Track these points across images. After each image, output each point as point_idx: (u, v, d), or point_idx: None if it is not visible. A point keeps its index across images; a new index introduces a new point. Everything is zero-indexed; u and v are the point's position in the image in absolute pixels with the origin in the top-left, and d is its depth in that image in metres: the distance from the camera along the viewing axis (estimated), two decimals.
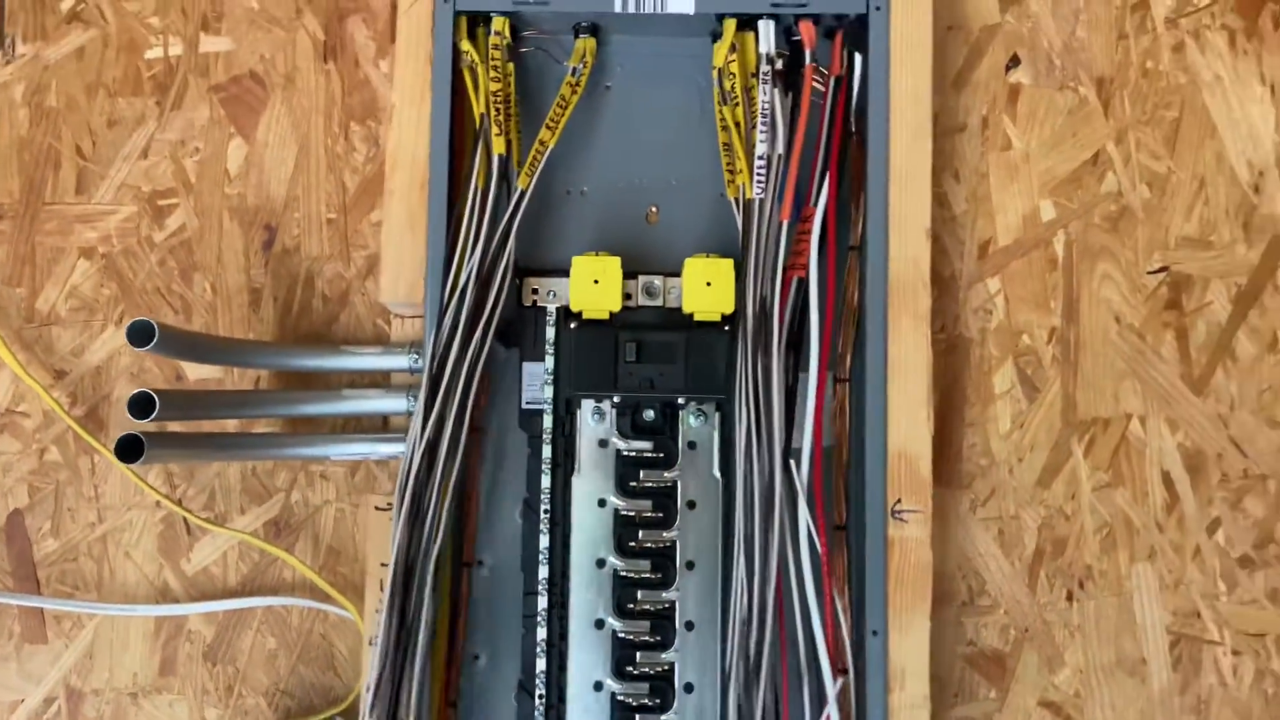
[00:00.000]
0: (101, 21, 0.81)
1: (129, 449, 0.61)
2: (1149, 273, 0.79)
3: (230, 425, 0.77)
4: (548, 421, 0.71)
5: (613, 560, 0.71)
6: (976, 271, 0.79)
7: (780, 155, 0.71)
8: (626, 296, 0.72)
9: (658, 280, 0.73)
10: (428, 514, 0.67)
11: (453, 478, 0.67)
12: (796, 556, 0.66)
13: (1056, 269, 0.79)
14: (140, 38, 0.80)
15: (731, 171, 0.72)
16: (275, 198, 0.79)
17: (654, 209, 0.76)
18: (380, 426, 0.76)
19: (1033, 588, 0.77)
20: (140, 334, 0.61)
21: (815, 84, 0.73)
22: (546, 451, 0.71)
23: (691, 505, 0.72)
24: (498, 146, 0.70)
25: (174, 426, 0.75)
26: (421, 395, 0.67)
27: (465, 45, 0.72)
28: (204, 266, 0.79)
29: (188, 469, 0.77)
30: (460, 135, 0.73)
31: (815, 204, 0.71)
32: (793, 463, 0.68)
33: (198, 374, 0.78)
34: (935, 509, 0.72)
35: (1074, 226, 0.79)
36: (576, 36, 0.75)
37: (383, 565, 0.69)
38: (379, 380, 0.76)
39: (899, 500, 0.69)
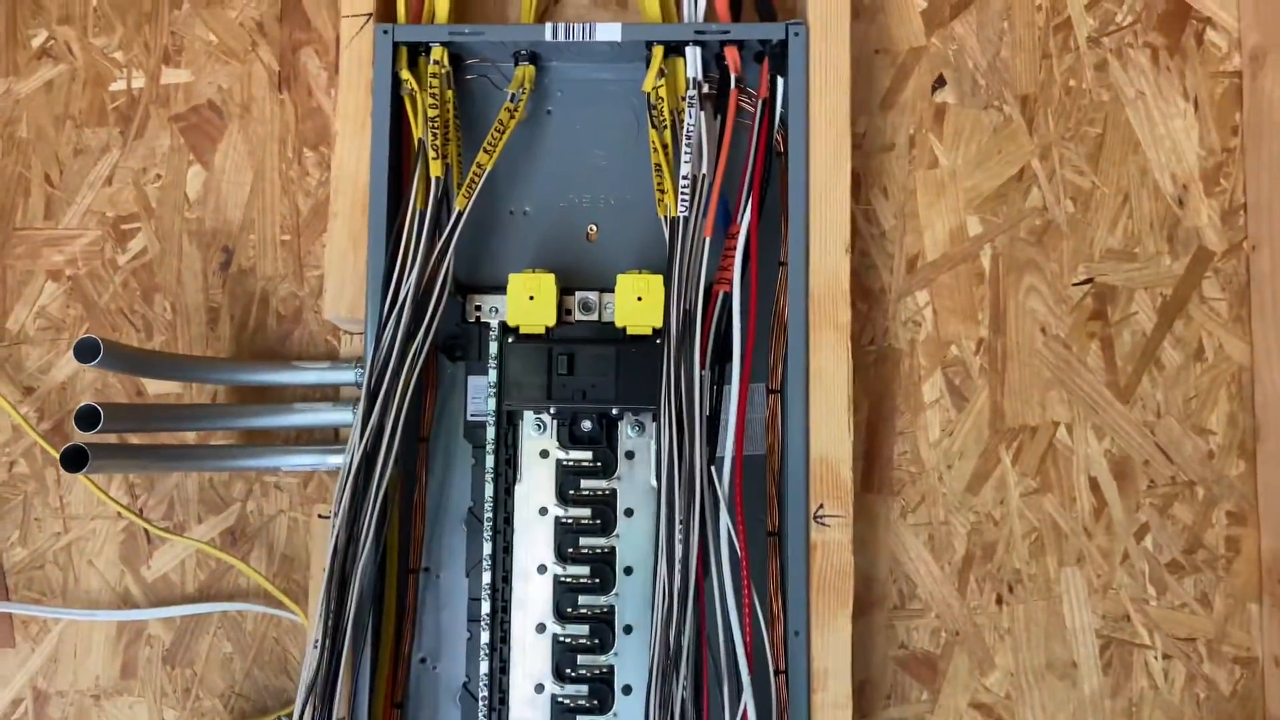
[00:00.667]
0: (69, 56, 0.84)
1: (74, 459, 0.64)
2: (1074, 284, 0.80)
3: (191, 438, 0.79)
4: (491, 433, 0.73)
5: (554, 566, 0.72)
6: (906, 285, 0.80)
7: (705, 175, 0.73)
8: (566, 312, 0.74)
9: (593, 296, 0.75)
10: (364, 520, 0.68)
11: (385, 485, 0.69)
12: (718, 560, 0.68)
13: (984, 282, 0.80)
14: (105, 71, 0.83)
15: (661, 191, 0.74)
16: (232, 221, 0.82)
17: (593, 228, 0.78)
18: (331, 438, 0.78)
19: (963, 592, 0.78)
20: (86, 351, 0.64)
21: (744, 105, 0.76)
22: (490, 461, 0.72)
23: (629, 513, 0.74)
24: (435, 169, 0.72)
25: (135, 439, 0.77)
26: (360, 407, 0.69)
27: (405, 74, 0.75)
28: (164, 287, 0.81)
29: (149, 480, 0.79)
30: (405, 161, 0.75)
31: (740, 221, 0.73)
32: (714, 471, 0.69)
33: (159, 389, 0.80)
34: (867, 515, 0.74)
35: (1000, 240, 0.81)
36: (516, 64, 0.77)
37: (323, 571, 0.71)
38: (329, 394, 0.77)
39: (821, 505, 0.71)
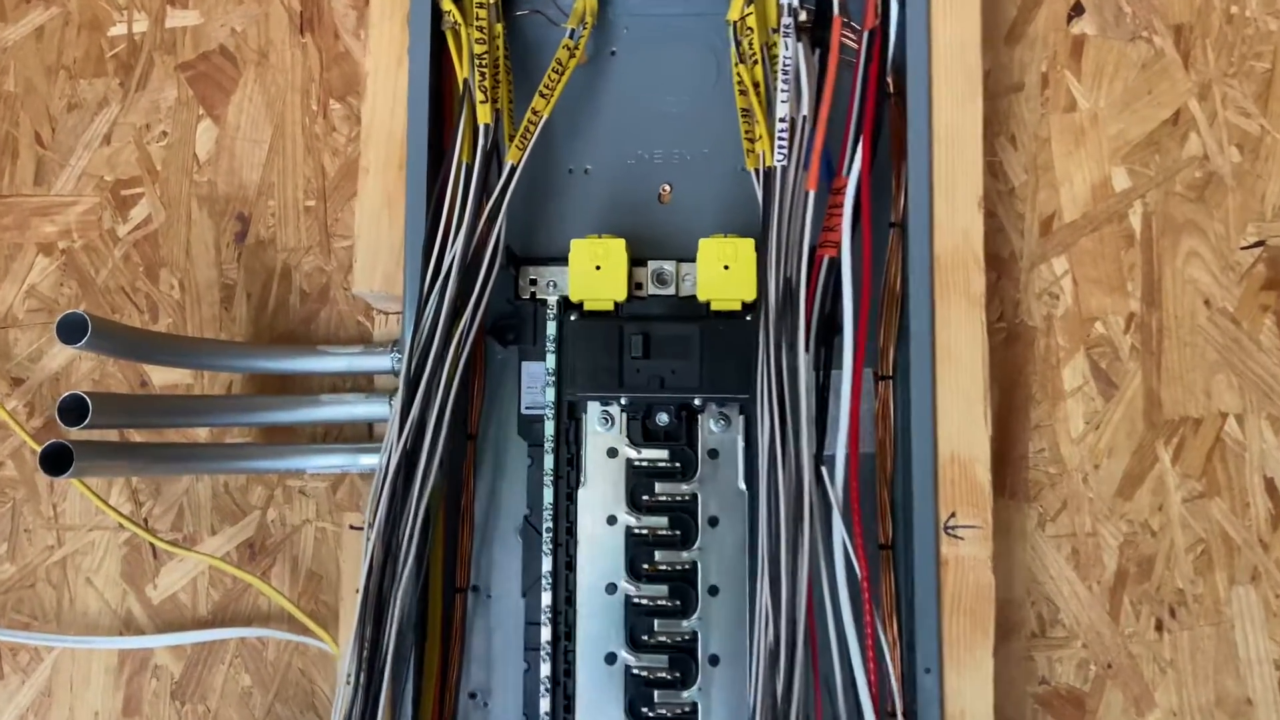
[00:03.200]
0: None
1: (55, 460, 0.55)
2: (1243, 248, 0.70)
3: (200, 435, 0.72)
4: (550, 428, 0.66)
5: (625, 585, 0.65)
6: (1040, 250, 0.71)
7: (805, 117, 0.64)
8: (636, 285, 0.67)
9: (669, 266, 0.67)
10: (405, 531, 0.61)
11: (429, 490, 0.61)
12: (831, 580, 0.58)
13: (1133, 246, 0.71)
14: (103, 14, 0.78)
15: (750, 139, 0.65)
16: (248, 185, 0.75)
17: (666, 188, 0.71)
18: (364, 435, 0.72)
19: (1115, 616, 0.68)
20: (71, 329, 0.56)
21: (846, 40, 0.65)
22: (549, 462, 0.66)
23: (714, 522, 0.65)
24: (483, 115, 0.64)
25: (138, 436, 0.71)
26: (398, 397, 0.62)
27: (447, 4, 0.66)
28: (171, 262, 0.75)
29: (154, 486, 0.73)
30: (446, 107, 0.68)
31: (847, 174, 0.63)
32: (825, 471, 0.60)
33: (166, 378, 0.74)
34: (997, 524, 0.65)
35: (1152, 197, 0.71)
36: None
37: (357, 591, 0.63)
38: (362, 384, 0.72)
39: (953, 514, 0.62)
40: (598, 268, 0.65)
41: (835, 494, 0.59)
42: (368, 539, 0.60)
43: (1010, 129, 0.71)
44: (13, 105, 0.76)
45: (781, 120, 0.62)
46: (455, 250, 0.62)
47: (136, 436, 0.71)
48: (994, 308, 0.70)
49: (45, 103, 0.76)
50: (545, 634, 0.64)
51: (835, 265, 0.62)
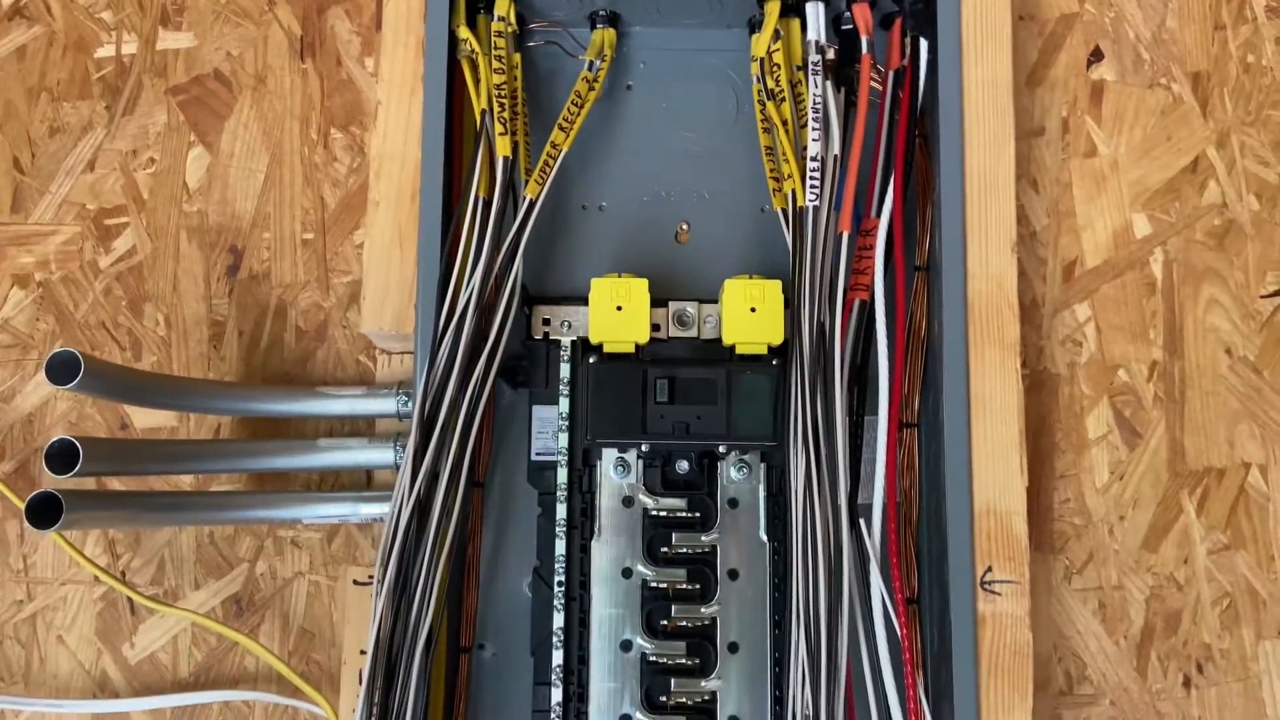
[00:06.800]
0: (47, 17, 0.75)
1: (43, 511, 0.50)
2: (1263, 296, 0.70)
3: (184, 482, 0.69)
4: (562, 475, 0.64)
5: (641, 642, 0.62)
6: (1062, 296, 0.70)
7: (836, 156, 0.62)
8: (654, 327, 0.64)
9: (690, 307, 0.65)
10: (417, 587, 0.57)
11: (447, 543, 0.58)
12: (870, 639, 0.55)
13: (1155, 293, 0.70)
14: (90, 35, 0.74)
15: (777, 178, 0.64)
16: (242, 215, 0.73)
17: (684, 226, 0.69)
18: (363, 483, 0.69)
19: (1143, 672, 0.67)
20: (62, 369, 0.52)
21: (872, 81, 0.63)
22: (561, 511, 0.63)
23: (734, 575, 0.63)
24: (502, 148, 0.62)
25: (116, 484, 0.67)
26: (411, 443, 0.58)
27: (464, 33, 0.64)
28: (157, 296, 0.72)
29: (133, 535, 0.68)
30: (457, 138, 0.65)
31: (876, 215, 0.62)
32: (862, 523, 0.58)
33: (147, 421, 0.70)
34: None
35: (1173, 244, 0.70)
36: (593, 27, 0.68)
37: (362, 653, 0.59)
38: (362, 428, 0.69)
39: (989, 569, 0.59)
40: (619, 308, 0.62)
41: (873, 546, 0.57)
42: (377, 595, 0.56)
43: (1032, 173, 0.71)
44: None
45: (813, 160, 0.61)
46: (472, 288, 0.60)
47: (116, 484, 0.67)
48: None
49: (25, 126, 0.73)
50: (556, 695, 0.61)
51: (865, 308, 0.61)
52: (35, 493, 0.52)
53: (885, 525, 0.57)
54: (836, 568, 0.55)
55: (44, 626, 0.68)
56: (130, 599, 0.68)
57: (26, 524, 0.66)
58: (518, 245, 0.61)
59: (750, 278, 0.62)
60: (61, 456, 0.52)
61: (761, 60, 0.64)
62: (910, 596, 0.61)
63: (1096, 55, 0.72)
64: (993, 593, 0.59)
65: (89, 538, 0.68)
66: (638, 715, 0.61)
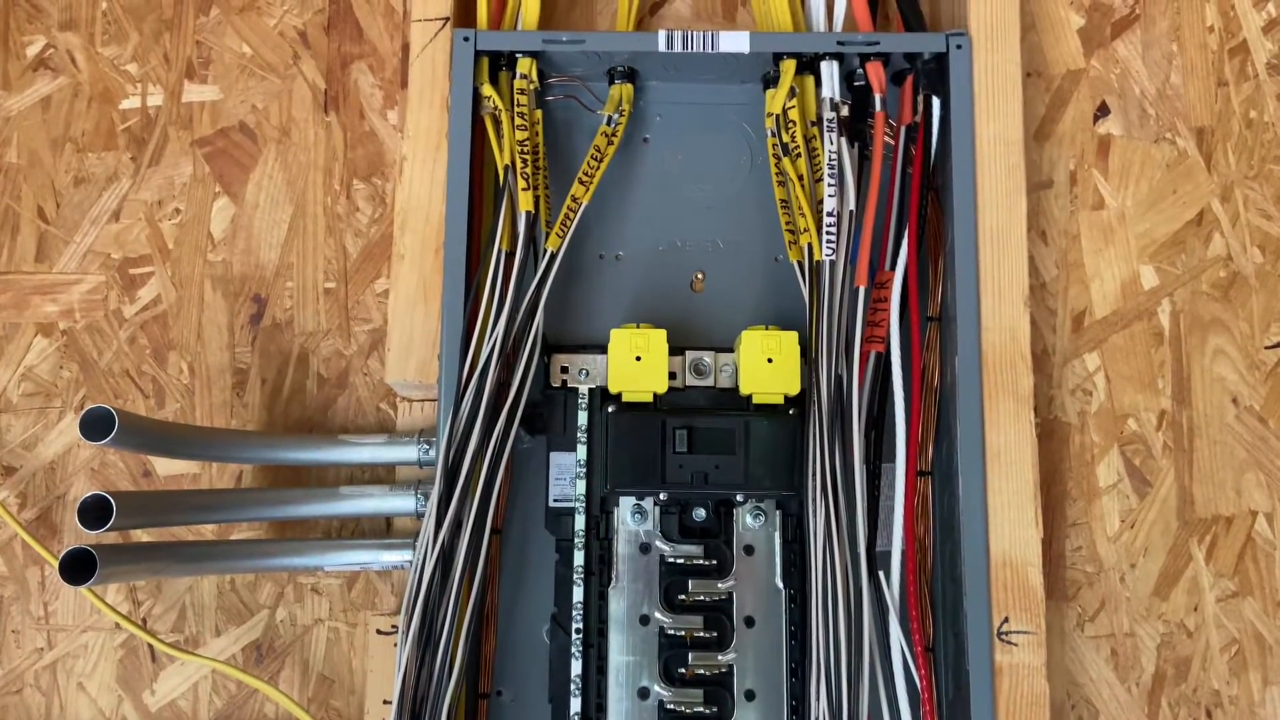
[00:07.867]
0: (72, 69, 0.74)
1: (78, 567, 0.50)
2: (1267, 347, 0.70)
3: (207, 531, 0.68)
4: (580, 522, 0.63)
5: (658, 690, 0.62)
6: (1072, 347, 0.70)
7: (852, 211, 0.62)
8: (671, 376, 0.64)
9: (708, 357, 0.65)
10: (441, 637, 0.57)
11: (473, 593, 0.58)
12: (890, 690, 0.55)
13: (1163, 343, 0.70)
14: (115, 86, 0.74)
15: (793, 231, 0.64)
16: (265, 265, 0.72)
17: (699, 275, 0.70)
18: (383, 530, 0.69)
19: (1154, 718, 0.66)
20: (97, 424, 0.52)
21: (885, 136, 0.64)
22: (578, 558, 0.63)
23: (750, 622, 0.62)
24: (525, 203, 0.62)
25: (140, 535, 0.66)
26: (435, 492, 0.59)
27: (487, 90, 0.65)
28: (181, 344, 0.71)
29: (154, 582, 0.68)
30: (478, 192, 0.66)
31: (891, 268, 0.62)
32: (881, 573, 0.58)
33: (169, 469, 0.69)
34: None
35: (1180, 295, 0.71)
36: (611, 82, 0.69)
37: (385, 703, 0.58)
38: (383, 476, 0.68)
39: (1006, 619, 0.59)
40: (638, 358, 0.62)
41: (892, 596, 0.57)
42: (401, 645, 0.56)
43: (1040, 225, 0.71)
44: (14, 178, 0.72)
45: (830, 215, 0.62)
46: (495, 339, 0.60)
47: (141, 533, 0.66)
48: None
49: (50, 176, 0.72)
50: None
51: (880, 360, 0.61)
52: (68, 550, 0.51)
53: (904, 574, 0.58)
54: (857, 617, 0.56)
55: (64, 674, 0.67)
56: (151, 646, 0.67)
57: (52, 570, 0.66)
58: (539, 298, 0.61)
59: (766, 328, 0.62)
60: (95, 511, 0.52)
61: (777, 116, 0.64)
62: (927, 645, 0.62)
63: (1103, 110, 0.73)
64: (1009, 643, 0.59)
65: (110, 586, 0.67)
66: None
